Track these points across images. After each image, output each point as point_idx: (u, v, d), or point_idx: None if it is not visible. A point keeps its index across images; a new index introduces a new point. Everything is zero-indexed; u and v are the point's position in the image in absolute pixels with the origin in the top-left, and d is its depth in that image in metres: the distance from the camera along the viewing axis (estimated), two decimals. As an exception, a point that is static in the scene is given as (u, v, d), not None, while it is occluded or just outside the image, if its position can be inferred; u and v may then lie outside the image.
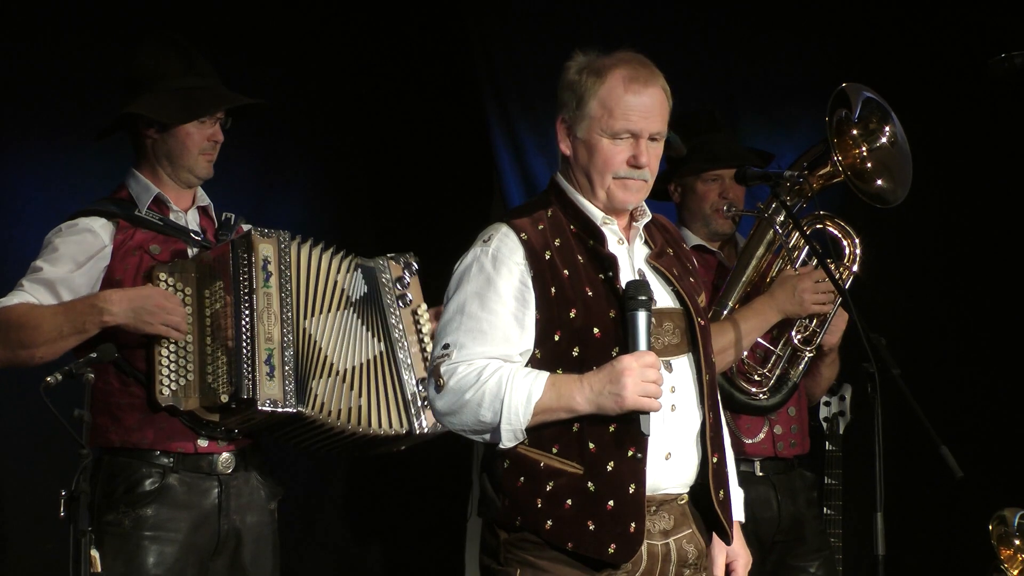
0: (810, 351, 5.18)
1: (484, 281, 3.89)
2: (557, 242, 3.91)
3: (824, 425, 5.56)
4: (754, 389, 5.17)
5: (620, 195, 3.93)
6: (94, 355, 4.13)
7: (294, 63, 6.46)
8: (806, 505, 5.35)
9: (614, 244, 3.97)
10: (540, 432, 3.86)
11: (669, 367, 3.94)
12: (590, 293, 3.88)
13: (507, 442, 3.85)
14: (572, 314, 3.87)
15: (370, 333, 4.35)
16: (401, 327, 4.36)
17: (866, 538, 4.73)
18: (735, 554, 4.13)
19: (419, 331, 4.37)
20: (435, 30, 6.85)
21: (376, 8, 6.70)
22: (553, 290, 3.88)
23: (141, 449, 4.34)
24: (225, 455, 4.40)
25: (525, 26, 6.69)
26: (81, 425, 4.00)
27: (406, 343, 4.35)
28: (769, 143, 5.90)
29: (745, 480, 5.22)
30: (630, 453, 3.84)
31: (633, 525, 3.83)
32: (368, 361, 4.35)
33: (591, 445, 3.83)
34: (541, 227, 3.92)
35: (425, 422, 4.31)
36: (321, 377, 4.32)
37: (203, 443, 4.37)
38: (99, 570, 3.96)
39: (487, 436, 3.88)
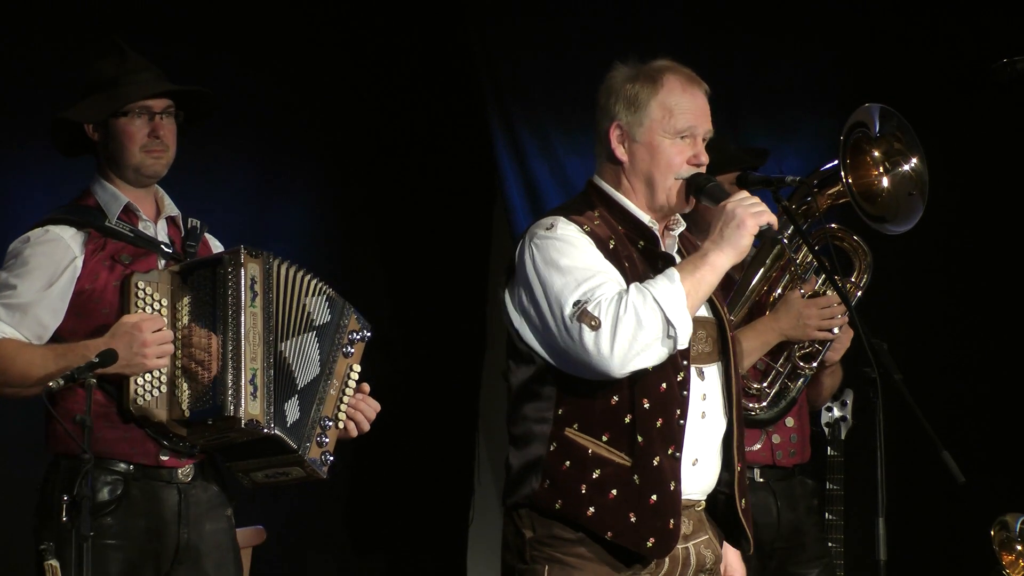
0: (810, 369, 5.17)
1: (561, 245, 3.94)
2: (612, 240, 3.99)
3: (826, 430, 5.55)
4: (751, 404, 5.15)
5: (680, 200, 4.04)
6: (96, 360, 4.13)
7: (295, 69, 6.47)
8: (806, 513, 5.34)
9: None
10: (592, 419, 3.91)
11: (701, 375, 4.03)
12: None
13: (686, 331, 3.86)
14: None
15: (319, 358, 4.38)
16: (333, 368, 4.40)
17: (868, 543, 4.72)
18: (733, 567, 4.20)
19: (345, 383, 4.42)
20: (437, 36, 6.85)
21: (378, 14, 6.70)
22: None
23: (102, 458, 4.31)
24: (186, 466, 4.39)
25: (527, 32, 6.69)
26: (83, 430, 4.00)
27: (329, 382, 4.38)
28: (771, 147, 5.89)
29: (745, 486, 5.22)
30: (670, 451, 3.92)
31: (672, 521, 3.91)
32: (308, 382, 4.38)
33: (640, 439, 3.90)
34: (597, 223, 4.00)
35: (309, 451, 4.33)
36: (290, 399, 4.33)
37: (164, 457, 4.35)
38: None
39: (669, 344, 3.87)
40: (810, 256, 5.09)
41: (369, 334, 4.49)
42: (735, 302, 5.15)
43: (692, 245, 4.18)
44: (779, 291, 5.16)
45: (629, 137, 4.03)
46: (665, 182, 4.02)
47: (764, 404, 5.15)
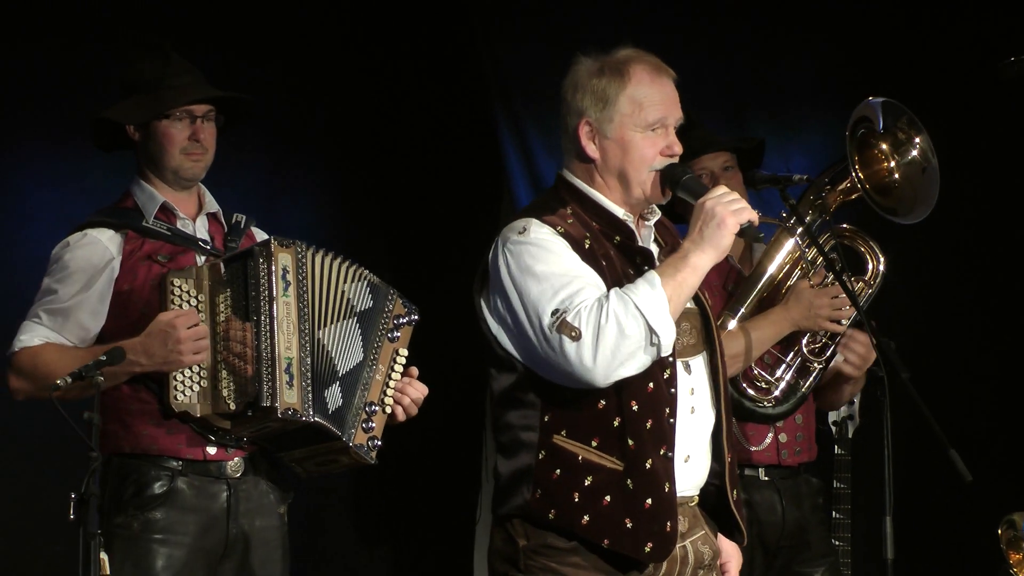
0: (820, 363, 5.15)
1: (536, 250, 3.85)
2: (587, 239, 3.91)
3: (833, 429, 5.54)
4: (760, 396, 5.14)
5: (656, 191, 3.94)
6: (104, 358, 4.14)
7: (302, 67, 6.47)
8: (811, 511, 5.33)
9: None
10: (579, 424, 3.83)
11: (688, 368, 3.95)
12: (626, 284, 3.86)
13: (669, 337, 3.78)
14: None
15: (362, 344, 4.38)
16: (378, 354, 4.39)
17: (875, 542, 4.72)
18: (728, 555, 4.13)
19: (391, 368, 4.41)
20: (442, 33, 6.85)
21: (383, 12, 6.70)
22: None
23: (150, 455, 4.34)
24: (235, 460, 4.41)
25: (532, 29, 6.69)
26: (91, 428, 4.01)
27: (374, 368, 4.37)
28: (777, 145, 5.89)
29: (750, 484, 5.21)
30: (662, 452, 3.85)
31: (669, 524, 3.83)
32: (350, 369, 4.38)
33: (631, 442, 3.82)
34: (570, 221, 3.91)
35: (354, 438, 4.33)
36: (331, 386, 4.33)
37: (212, 450, 4.37)
38: (108, 573, 3.97)
39: (652, 352, 3.78)
40: (820, 256, 5.08)
41: (416, 317, 4.46)
42: (745, 295, 5.13)
43: (668, 232, 4.12)
44: (789, 285, 5.15)
45: (600, 133, 3.92)
46: (639, 176, 3.92)
47: (772, 398, 5.15)
